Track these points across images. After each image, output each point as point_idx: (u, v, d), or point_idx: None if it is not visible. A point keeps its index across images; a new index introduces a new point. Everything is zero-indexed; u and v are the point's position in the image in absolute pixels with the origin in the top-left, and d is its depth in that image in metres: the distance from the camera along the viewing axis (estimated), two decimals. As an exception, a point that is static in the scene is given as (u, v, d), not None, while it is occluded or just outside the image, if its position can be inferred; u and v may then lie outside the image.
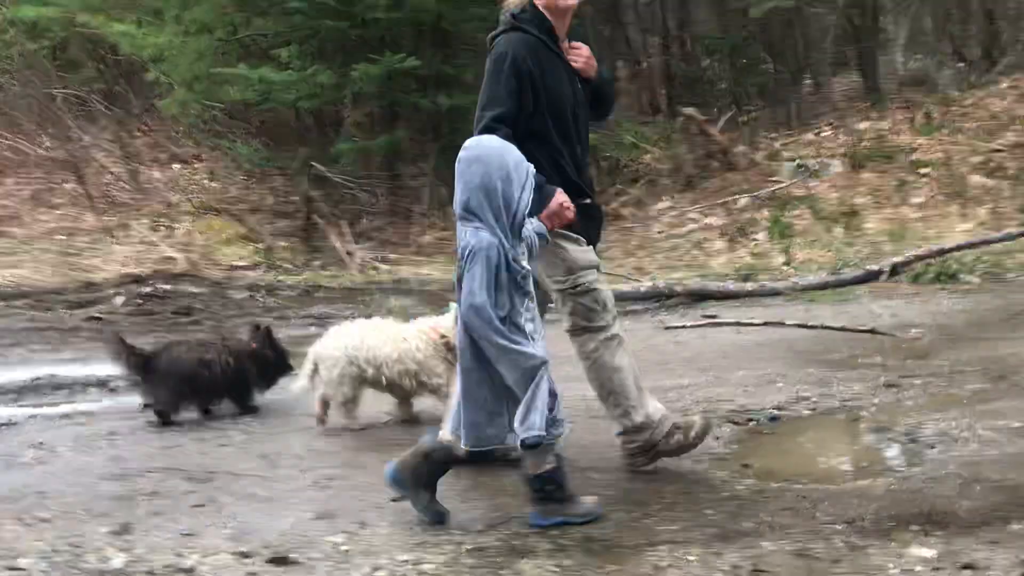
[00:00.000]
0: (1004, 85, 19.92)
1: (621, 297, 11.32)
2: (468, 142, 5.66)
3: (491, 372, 5.53)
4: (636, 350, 8.19)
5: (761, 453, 6.91)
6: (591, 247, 6.39)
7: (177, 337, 9.68)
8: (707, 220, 17.07)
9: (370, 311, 11.74)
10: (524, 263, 5.59)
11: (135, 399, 8.40)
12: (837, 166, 17.77)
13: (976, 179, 16.72)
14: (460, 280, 5.56)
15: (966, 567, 4.81)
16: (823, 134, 19.70)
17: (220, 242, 18.22)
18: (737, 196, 17.56)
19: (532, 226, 5.73)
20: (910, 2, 24.01)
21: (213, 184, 21.39)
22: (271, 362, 8.70)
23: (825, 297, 12.30)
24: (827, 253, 14.52)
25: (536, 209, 5.76)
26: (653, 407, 6.43)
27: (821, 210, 16.33)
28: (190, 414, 8.24)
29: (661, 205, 18.10)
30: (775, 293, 12.79)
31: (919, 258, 13.32)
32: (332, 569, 5.19)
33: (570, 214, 6.04)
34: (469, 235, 5.49)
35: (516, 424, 5.49)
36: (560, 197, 6.00)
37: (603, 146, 18.30)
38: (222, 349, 8.53)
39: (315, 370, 7.92)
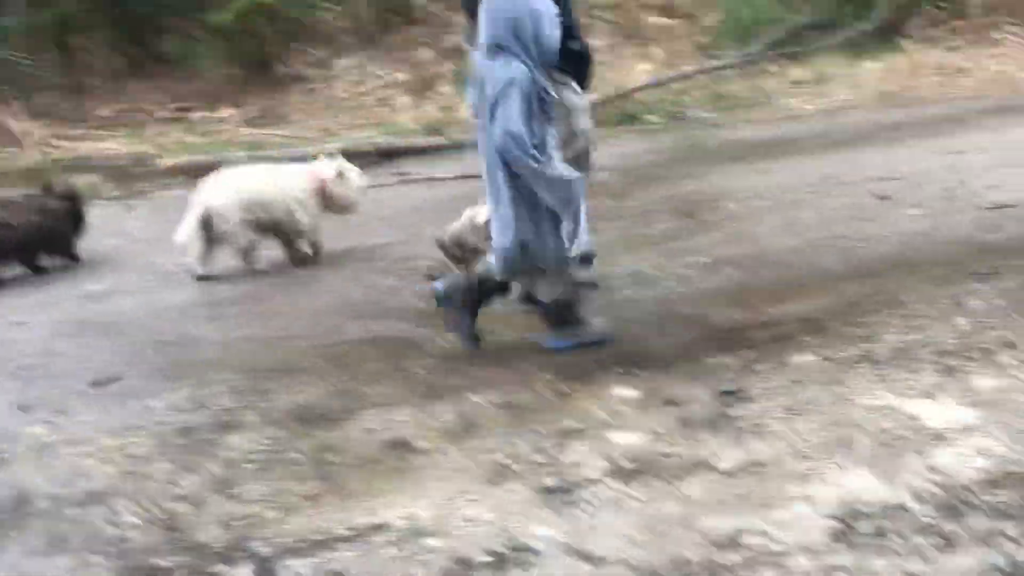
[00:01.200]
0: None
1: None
2: None
3: (526, 198, 5.69)
4: (328, 219, 8.16)
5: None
6: None
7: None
8: (390, 76, 16.95)
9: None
10: (552, 92, 5.69)
11: None
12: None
13: (652, 20, 17.05)
14: (492, 110, 5.59)
15: (668, 403, 4.96)
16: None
17: None
18: (419, 50, 17.45)
19: None
20: None
21: None
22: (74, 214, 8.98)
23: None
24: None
25: None
26: None
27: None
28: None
29: (344, 63, 17.86)
30: (464, 145, 12.78)
31: (603, 102, 13.52)
32: (36, 461, 5.03)
33: None
34: (500, 67, 5.57)
35: (566, 243, 5.74)
36: None
37: (282, 6, 17.87)
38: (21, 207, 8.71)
39: (205, 222, 7.96)
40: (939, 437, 4.29)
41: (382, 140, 13.45)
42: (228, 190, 8.07)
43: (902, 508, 3.80)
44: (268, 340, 6.65)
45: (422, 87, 16.33)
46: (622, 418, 4.87)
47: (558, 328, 5.99)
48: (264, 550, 4.05)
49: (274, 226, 8.17)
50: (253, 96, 16.88)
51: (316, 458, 4.81)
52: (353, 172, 8.36)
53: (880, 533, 3.65)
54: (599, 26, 17.00)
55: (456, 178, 10.77)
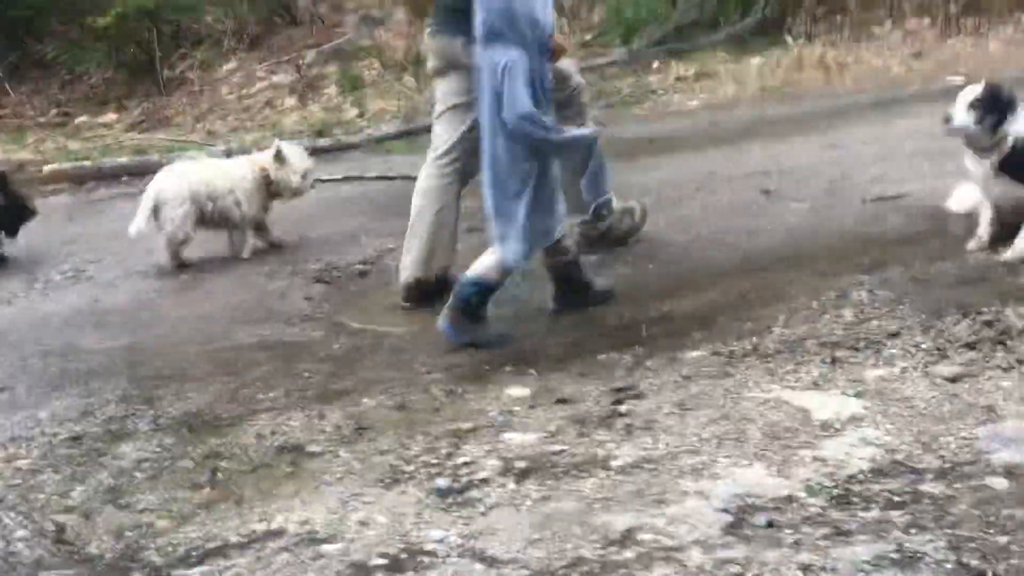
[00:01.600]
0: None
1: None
2: None
3: (551, 171, 5.91)
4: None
5: (353, 310, 6.92)
6: None
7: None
8: (276, 78, 16.80)
9: None
10: (550, 75, 5.89)
11: None
12: (401, 14, 17.74)
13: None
14: (496, 99, 5.70)
15: (561, 401, 4.98)
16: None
17: None
18: (304, 52, 17.32)
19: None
20: None
21: None
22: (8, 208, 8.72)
23: (401, 147, 12.33)
24: (399, 102, 14.54)
25: None
26: None
27: (389, 60, 16.31)
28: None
29: (228, 66, 17.68)
30: (351, 147, 12.74)
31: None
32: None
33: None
34: (499, 54, 5.65)
35: (587, 198, 6.35)
36: None
37: (162, 9, 17.63)
38: None
39: (155, 211, 7.95)
40: (828, 428, 4.35)
41: (267, 143, 13.30)
42: (179, 180, 8.06)
43: (793, 500, 3.85)
44: (155, 347, 6.56)
45: (307, 89, 16.21)
46: (515, 417, 4.88)
47: (464, 320, 6.00)
48: (157, 560, 3.99)
49: (222, 218, 8.15)
50: (136, 100, 16.65)
51: (208, 465, 4.76)
52: (295, 155, 8.35)
53: (772, 526, 3.69)
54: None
55: (343, 179, 10.67)
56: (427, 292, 6.67)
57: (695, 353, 5.37)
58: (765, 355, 5.18)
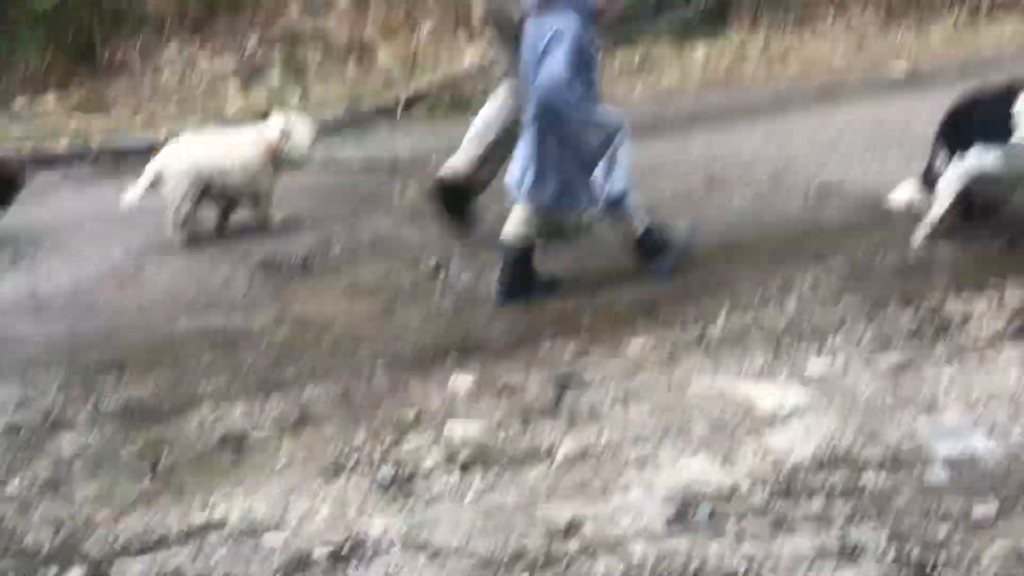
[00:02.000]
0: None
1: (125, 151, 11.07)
2: None
3: (570, 144, 6.07)
4: (154, 208, 7.97)
5: (297, 297, 6.88)
6: None
7: None
8: (217, 63, 16.67)
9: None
10: (598, 43, 6.20)
11: None
12: (343, 4, 17.62)
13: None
14: (538, 63, 5.99)
15: (504, 390, 4.98)
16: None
17: None
18: (247, 36, 17.20)
19: None
20: None
21: None
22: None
23: (344, 135, 12.26)
24: (342, 89, 14.46)
25: None
26: None
27: (332, 46, 16.22)
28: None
29: (170, 51, 17.53)
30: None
31: (431, 89, 13.48)
32: None
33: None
34: (551, 21, 5.93)
35: (601, 183, 6.16)
36: None
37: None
38: None
39: (155, 183, 7.86)
40: (772, 419, 4.37)
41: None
42: (185, 155, 7.95)
43: (737, 491, 3.86)
44: (95, 335, 6.49)
45: (251, 75, 16.09)
46: (459, 407, 4.87)
47: (657, 255, 6.37)
48: (96, 552, 3.96)
49: (233, 193, 8.08)
50: (77, 85, 16.47)
51: (149, 455, 4.71)
52: (300, 126, 8.24)
53: (716, 517, 3.70)
54: (430, 11, 16.94)
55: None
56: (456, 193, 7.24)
57: (639, 342, 5.38)
58: (709, 345, 5.21)
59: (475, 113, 7.58)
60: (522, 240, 6.30)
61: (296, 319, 6.47)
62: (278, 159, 8.08)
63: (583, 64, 6.00)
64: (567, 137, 6.05)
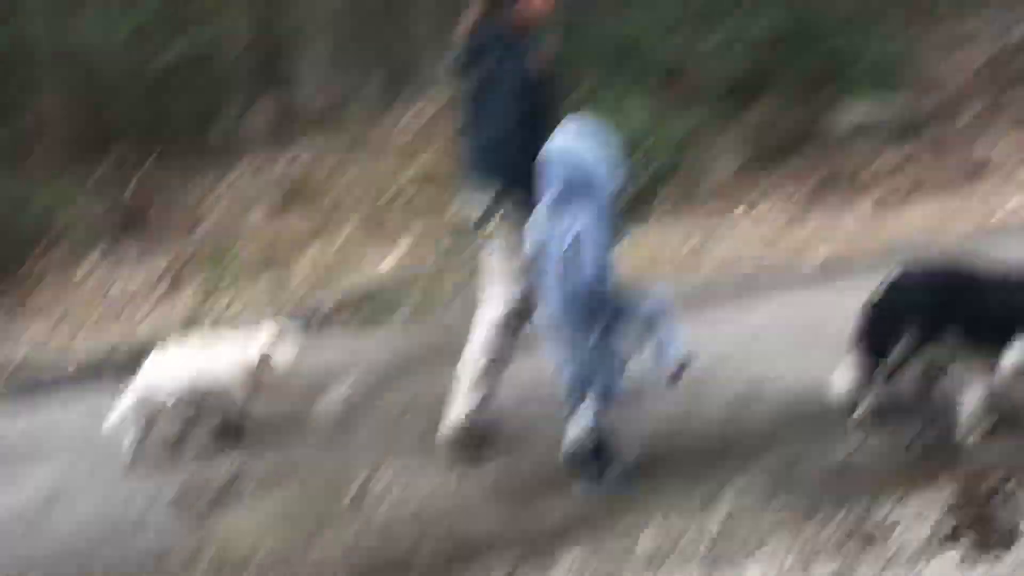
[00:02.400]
0: (413, 113, 20.24)
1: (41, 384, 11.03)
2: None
3: (603, 342, 6.09)
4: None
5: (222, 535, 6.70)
6: None
7: None
8: (134, 280, 16.63)
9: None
10: (620, 233, 6.24)
11: None
12: (258, 213, 17.65)
13: (396, 210, 17.06)
14: (567, 262, 5.96)
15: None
16: (243, 178, 19.53)
17: None
18: (163, 253, 17.19)
19: None
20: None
21: None
22: None
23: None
24: (257, 303, 14.34)
25: None
26: None
27: (248, 259, 16.18)
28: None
29: (84, 268, 17.47)
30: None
31: (345, 301, 13.35)
32: None
33: None
34: (568, 220, 5.94)
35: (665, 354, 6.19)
36: None
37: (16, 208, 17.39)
38: None
39: (142, 403, 7.50)
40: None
41: (124, 348, 13.08)
42: (172, 373, 7.64)
43: None
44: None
45: (171, 288, 16.04)
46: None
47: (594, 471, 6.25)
48: None
49: (210, 408, 7.72)
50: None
51: None
52: (281, 350, 7.82)
53: None
54: (344, 220, 16.94)
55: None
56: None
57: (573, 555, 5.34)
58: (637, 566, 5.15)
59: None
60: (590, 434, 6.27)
61: (224, 551, 6.32)
62: (265, 373, 7.77)
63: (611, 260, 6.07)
64: (605, 331, 6.07)
